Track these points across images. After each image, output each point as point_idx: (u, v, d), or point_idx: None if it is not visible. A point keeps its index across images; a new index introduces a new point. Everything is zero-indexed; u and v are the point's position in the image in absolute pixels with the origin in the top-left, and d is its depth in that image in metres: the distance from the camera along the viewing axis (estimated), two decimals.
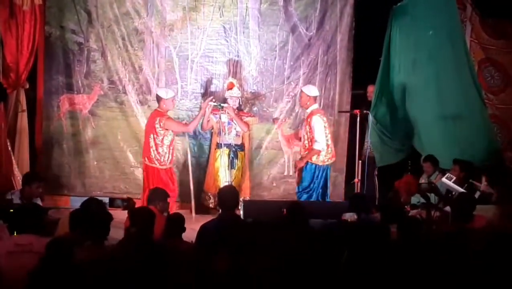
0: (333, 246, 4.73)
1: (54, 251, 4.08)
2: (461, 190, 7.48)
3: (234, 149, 8.65)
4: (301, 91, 8.57)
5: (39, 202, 7.21)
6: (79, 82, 9.31)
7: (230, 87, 8.91)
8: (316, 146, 8.12)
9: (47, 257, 4.08)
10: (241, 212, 7.27)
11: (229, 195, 5.93)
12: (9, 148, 8.70)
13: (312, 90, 8.47)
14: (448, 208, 6.88)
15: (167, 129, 8.15)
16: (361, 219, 6.11)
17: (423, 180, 8.74)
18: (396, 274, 4.24)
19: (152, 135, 8.13)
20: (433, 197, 8.02)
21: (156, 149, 8.11)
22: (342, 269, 4.40)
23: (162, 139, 8.12)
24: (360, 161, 8.72)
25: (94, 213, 5.05)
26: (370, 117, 8.70)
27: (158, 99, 8.31)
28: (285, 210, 5.84)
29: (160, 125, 8.10)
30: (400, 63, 9.06)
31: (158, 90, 8.72)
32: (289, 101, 9.61)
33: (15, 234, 4.88)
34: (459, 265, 4.38)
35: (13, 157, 8.75)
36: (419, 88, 8.82)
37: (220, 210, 5.93)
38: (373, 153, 9.05)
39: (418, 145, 8.98)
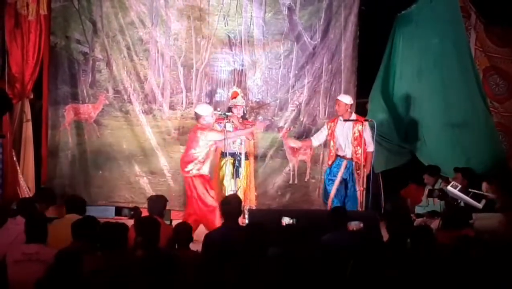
0: (339, 256, 4.71)
1: (63, 261, 4.08)
2: (466, 198, 7.47)
3: (239, 158, 8.61)
4: (338, 100, 8.41)
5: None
6: (84, 91, 9.31)
7: (234, 96, 8.89)
8: (370, 149, 8.19)
9: (55, 266, 4.08)
10: (247, 222, 7.25)
11: (232, 204, 5.91)
12: (14, 158, 8.72)
13: (348, 98, 8.40)
14: None
15: (210, 140, 8.00)
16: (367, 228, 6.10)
17: (426, 191, 8.73)
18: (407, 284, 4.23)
19: (192, 150, 8.01)
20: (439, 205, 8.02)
21: (194, 159, 8.01)
22: (348, 279, 4.39)
23: (201, 151, 8.00)
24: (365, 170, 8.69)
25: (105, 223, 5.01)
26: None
27: (198, 116, 8.12)
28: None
29: (202, 137, 7.97)
30: (403, 70, 9.06)
31: (196, 107, 8.42)
32: (294, 110, 9.62)
33: None
34: (467, 275, 4.36)
35: (18, 167, 8.76)
36: (425, 96, 8.82)
37: (224, 220, 5.91)
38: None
39: (421, 154, 8.94)
